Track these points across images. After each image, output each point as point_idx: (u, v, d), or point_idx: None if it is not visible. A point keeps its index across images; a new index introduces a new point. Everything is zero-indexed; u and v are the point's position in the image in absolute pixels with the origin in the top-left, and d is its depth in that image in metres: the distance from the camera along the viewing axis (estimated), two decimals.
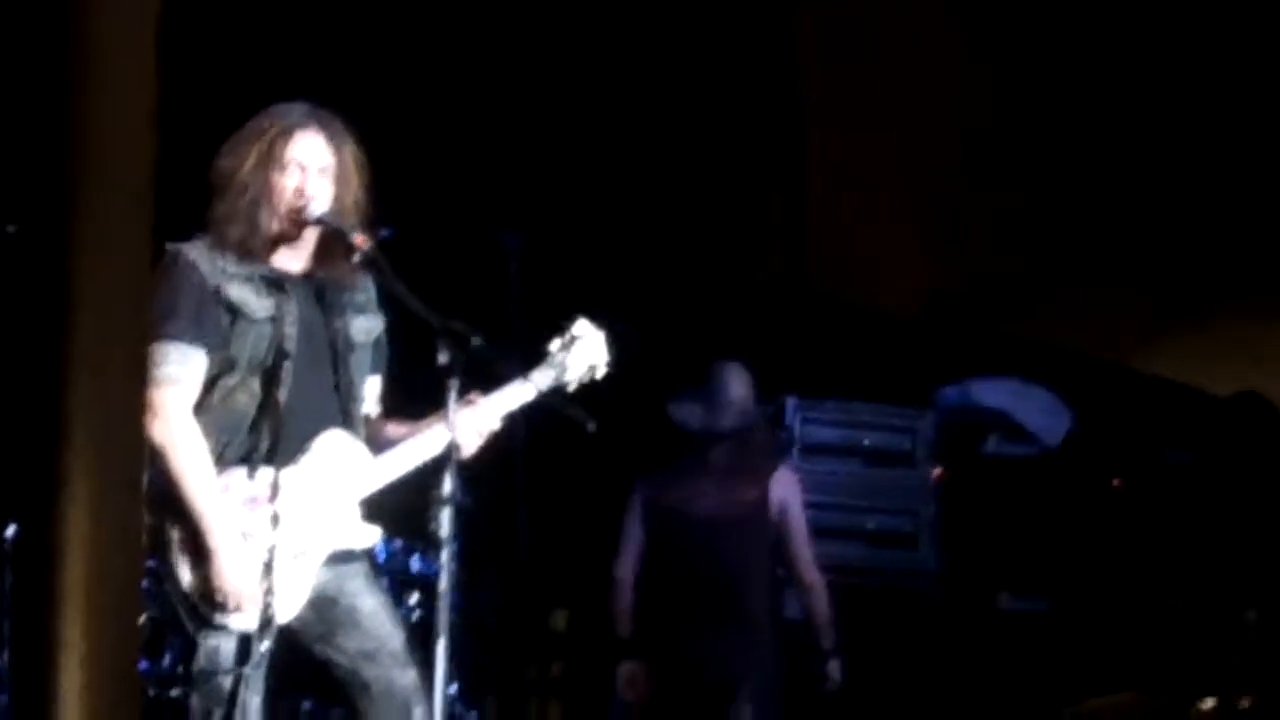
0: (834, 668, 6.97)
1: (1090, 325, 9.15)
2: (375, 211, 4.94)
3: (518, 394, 4.99)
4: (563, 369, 5.07)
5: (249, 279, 4.80)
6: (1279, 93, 8.77)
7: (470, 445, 4.88)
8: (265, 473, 4.75)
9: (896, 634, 7.64)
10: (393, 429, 5.01)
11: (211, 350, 4.74)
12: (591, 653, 8.49)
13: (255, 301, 4.78)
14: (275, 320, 4.78)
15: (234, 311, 4.76)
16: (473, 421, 4.87)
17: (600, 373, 5.11)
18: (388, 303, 4.94)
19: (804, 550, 7.05)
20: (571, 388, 5.07)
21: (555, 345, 5.09)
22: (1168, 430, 8.24)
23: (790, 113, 9.26)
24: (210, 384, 4.77)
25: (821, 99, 9.34)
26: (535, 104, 8.50)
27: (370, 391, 5.01)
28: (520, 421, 5.15)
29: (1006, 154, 9.20)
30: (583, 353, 5.10)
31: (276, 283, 4.83)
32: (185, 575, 4.70)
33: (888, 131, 9.27)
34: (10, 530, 5.99)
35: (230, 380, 4.77)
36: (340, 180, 4.86)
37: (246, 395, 4.77)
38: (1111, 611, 7.82)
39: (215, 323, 4.74)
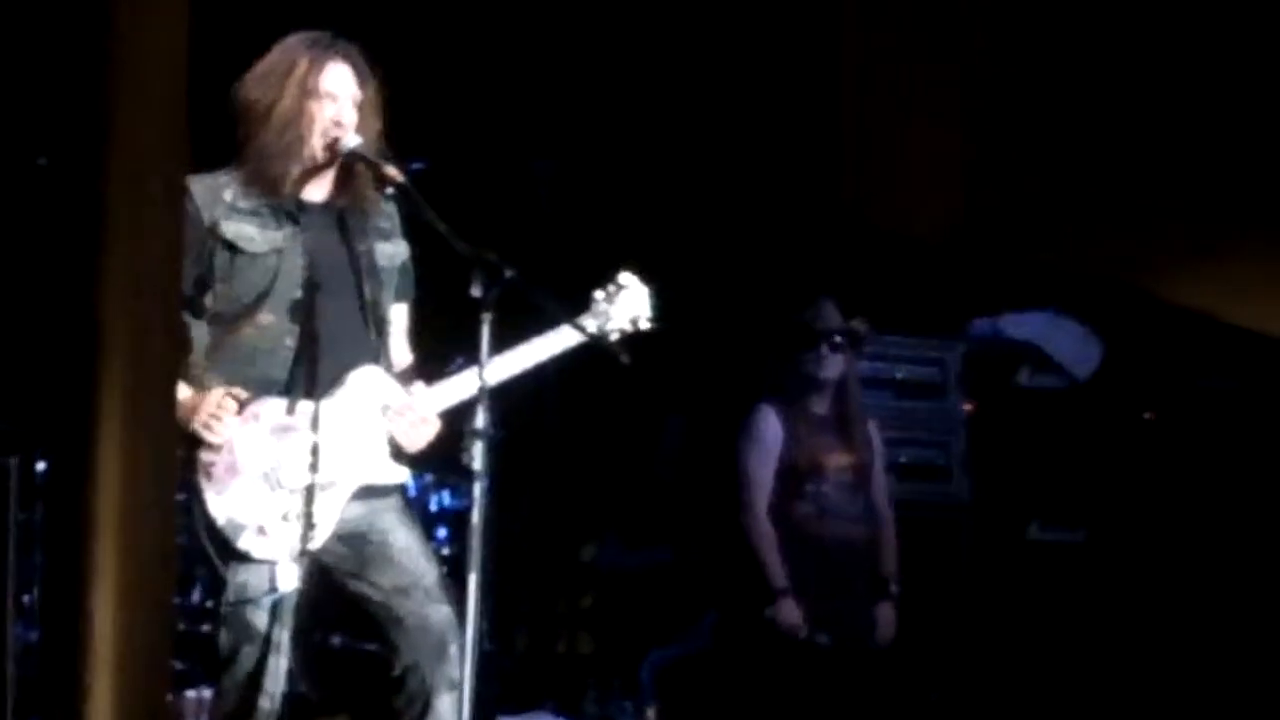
0: (885, 612, 6.95)
1: (1124, 252, 9.06)
2: (407, 143, 4.92)
3: (560, 340, 4.95)
4: (606, 318, 5.05)
5: (257, 212, 4.79)
6: None
7: (417, 438, 4.86)
8: (302, 404, 4.74)
9: (929, 566, 7.60)
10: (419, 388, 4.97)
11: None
12: (620, 585, 8.48)
13: (259, 236, 4.78)
14: (280, 253, 4.78)
15: (231, 248, 4.75)
16: (420, 407, 4.85)
17: (643, 324, 5.08)
18: (421, 237, 4.91)
19: (882, 489, 7.12)
20: (613, 337, 5.04)
21: (600, 294, 5.06)
22: (1199, 361, 8.16)
23: (824, 33, 9.17)
24: (232, 318, 4.76)
25: (855, 17, 9.25)
26: (564, 31, 8.43)
27: (397, 318, 4.99)
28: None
29: (1043, 75, 9.10)
30: (627, 303, 5.07)
31: (292, 214, 4.82)
32: (213, 508, 4.67)
33: (922, 51, 9.18)
34: (41, 465, 5.97)
35: (250, 314, 4.76)
36: (365, 112, 4.85)
37: (267, 328, 4.75)
38: (1143, 542, 7.78)
39: (200, 259, 4.73)
